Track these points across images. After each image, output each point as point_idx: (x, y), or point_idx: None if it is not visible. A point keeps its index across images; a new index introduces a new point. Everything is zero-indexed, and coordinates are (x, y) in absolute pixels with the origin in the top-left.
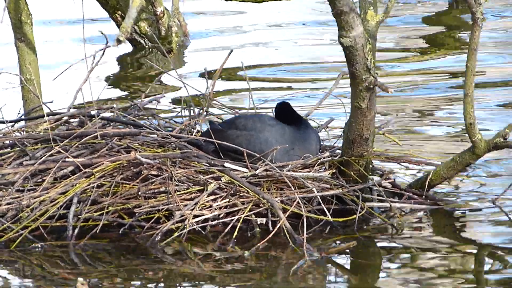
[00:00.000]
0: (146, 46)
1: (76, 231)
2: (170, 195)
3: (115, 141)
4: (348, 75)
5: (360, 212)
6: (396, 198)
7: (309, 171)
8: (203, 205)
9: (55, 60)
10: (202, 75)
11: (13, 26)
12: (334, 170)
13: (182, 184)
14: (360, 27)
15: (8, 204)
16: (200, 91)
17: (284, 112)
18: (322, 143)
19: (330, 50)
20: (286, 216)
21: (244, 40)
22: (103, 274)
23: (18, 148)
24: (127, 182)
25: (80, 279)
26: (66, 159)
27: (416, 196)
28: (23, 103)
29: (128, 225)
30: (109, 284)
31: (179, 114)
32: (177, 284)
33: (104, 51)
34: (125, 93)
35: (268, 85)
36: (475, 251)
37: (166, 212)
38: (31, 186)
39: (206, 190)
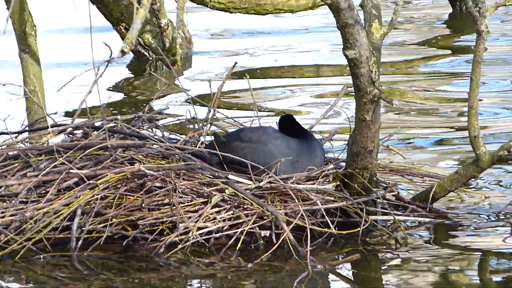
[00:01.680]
0: (150, 58)
1: (79, 243)
2: (174, 207)
3: (119, 153)
4: (352, 88)
5: (364, 225)
6: (400, 211)
7: (313, 184)
8: (207, 217)
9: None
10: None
11: (17, 38)
12: (338, 183)
13: (186, 196)
14: (365, 39)
15: (11, 215)
16: (204, 103)
17: (288, 125)
18: (326, 156)
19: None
20: (290, 228)
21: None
22: (106, 281)
23: (22, 160)
24: (131, 194)
25: None
26: (70, 171)
27: (420, 209)
28: (27, 114)
29: (132, 237)
30: None
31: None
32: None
33: (108, 62)
34: (129, 103)
35: (272, 94)
36: (479, 264)
37: (170, 224)
38: (34, 197)
39: (210, 202)
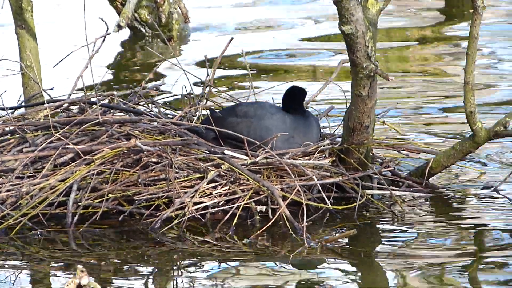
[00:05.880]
0: (146, 34)
1: (75, 218)
2: (170, 182)
3: (115, 128)
4: (349, 63)
5: (360, 200)
6: (396, 186)
7: (309, 159)
8: (203, 193)
9: (56, 45)
10: (199, 64)
11: (14, 13)
12: (334, 158)
13: (182, 172)
14: (361, 14)
15: (8, 191)
16: (200, 79)
17: (288, 100)
18: (322, 131)
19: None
20: (286, 204)
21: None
22: (102, 256)
23: (18, 135)
24: (127, 169)
25: (80, 267)
26: (66, 146)
27: (416, 184)
28: (23, 90)
29: (128, 212)
30: (107, 266)
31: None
32: (177, 262)
33: (105, 38)
34: (125, 79)
35: (268, 72)
36: (475, 237)
37: (166, 200)
38: (31, 173)
39: (206, 178)
